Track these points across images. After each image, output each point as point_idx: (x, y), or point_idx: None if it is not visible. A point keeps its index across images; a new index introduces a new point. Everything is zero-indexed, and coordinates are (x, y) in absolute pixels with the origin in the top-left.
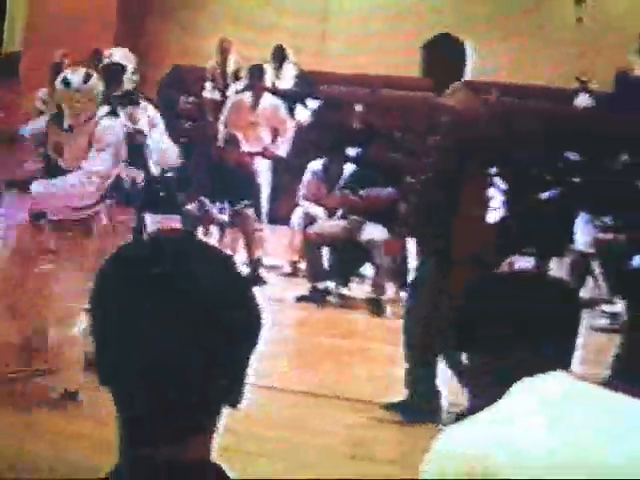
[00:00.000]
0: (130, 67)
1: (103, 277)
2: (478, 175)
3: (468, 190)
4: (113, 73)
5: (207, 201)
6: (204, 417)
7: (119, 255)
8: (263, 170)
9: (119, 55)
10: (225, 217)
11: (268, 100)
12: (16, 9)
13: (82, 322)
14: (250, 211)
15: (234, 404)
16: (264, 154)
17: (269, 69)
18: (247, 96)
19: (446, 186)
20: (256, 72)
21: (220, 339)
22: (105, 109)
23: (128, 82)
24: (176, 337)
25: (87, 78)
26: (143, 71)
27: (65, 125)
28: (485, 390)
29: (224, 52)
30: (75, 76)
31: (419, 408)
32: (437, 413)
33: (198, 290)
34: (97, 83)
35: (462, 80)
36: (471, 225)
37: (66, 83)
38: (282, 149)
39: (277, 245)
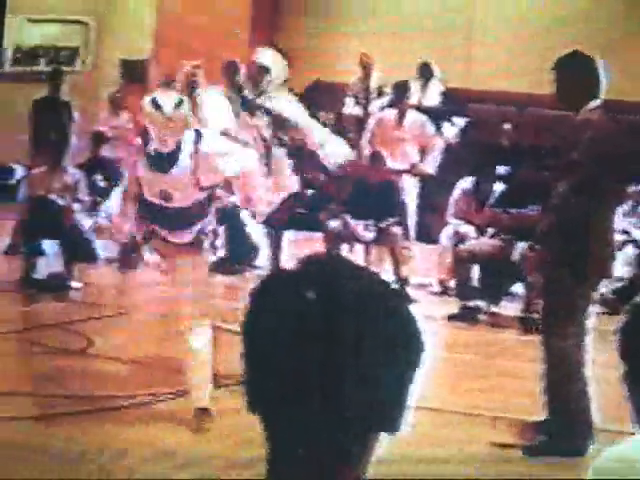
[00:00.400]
0: (274, 70)
1: (256, 303)
2: (618, 192)
3: (607, 207)
4: (257, 74)
5: (350, 218)
6: (357, 445)
7: (271, 280)
8: (410, 187)
9: (265, 57)
10: (370, 235)
11: (414, 117)
12: (144, 15)
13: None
14: (396, 228)
15: (393, 430)
16: (411, 171)
17: (414, 86)
18: (392, 112)
19: (583, 202)
20: (401, 88)
21: (377, 362)
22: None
23: (268, 84)
24: (330, 361)
25: (179, 103)
26: None
27: (151, 150)
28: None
29: (366, 68)
30: (166, 99)
31: (562, 428)
32: (583, 436)
33: (353, 312)
34: (189, 110)
35: (598, 98)
36: (605, 244)
37: (156, 106)
38: (430, 166)
39: (426, 263)
